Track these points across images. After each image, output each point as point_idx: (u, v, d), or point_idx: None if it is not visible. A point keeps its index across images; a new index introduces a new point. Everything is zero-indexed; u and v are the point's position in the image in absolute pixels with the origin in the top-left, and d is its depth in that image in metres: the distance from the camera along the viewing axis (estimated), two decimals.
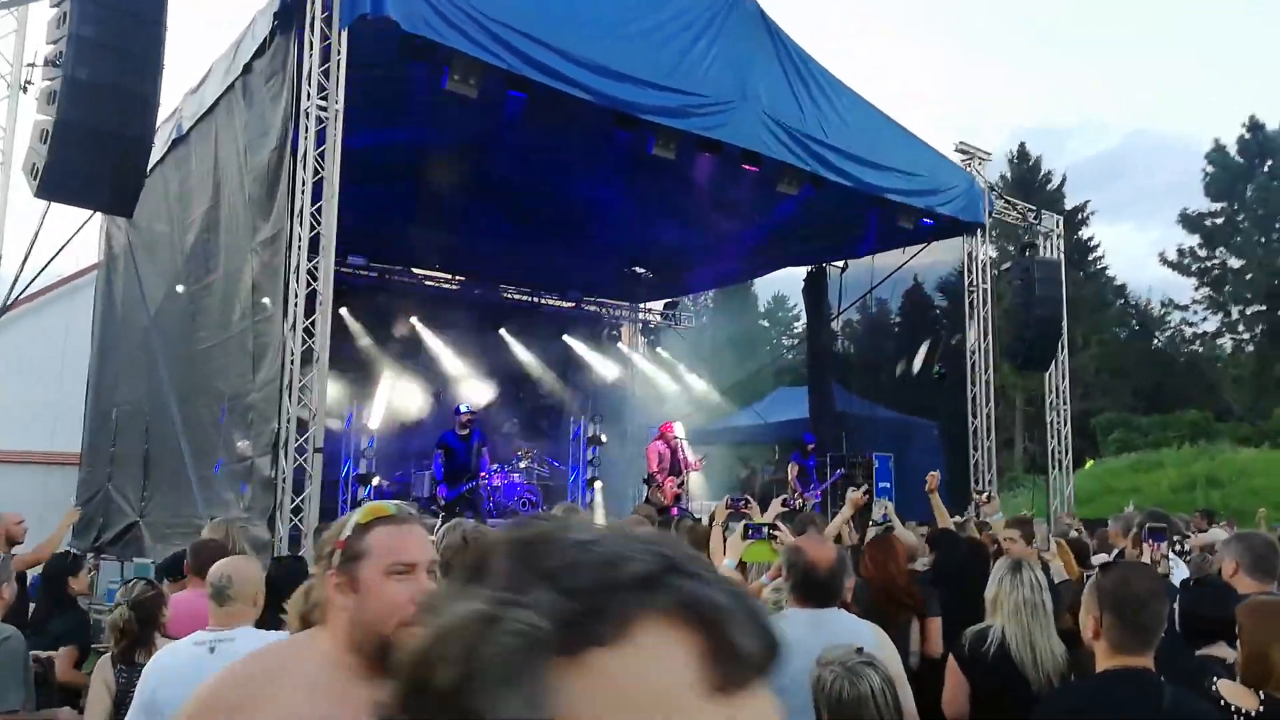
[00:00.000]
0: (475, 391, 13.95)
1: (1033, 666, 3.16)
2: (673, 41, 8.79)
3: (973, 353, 12.57)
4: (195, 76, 9.57)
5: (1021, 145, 37.21)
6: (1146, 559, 3.63)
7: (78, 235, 7.87)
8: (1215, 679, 2.59)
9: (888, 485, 13.97)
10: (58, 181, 5.78)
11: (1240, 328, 35.65)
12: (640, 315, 17.75)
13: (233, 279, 8.40)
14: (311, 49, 7.01)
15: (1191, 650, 3.00)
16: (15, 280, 7.34)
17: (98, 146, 5.64)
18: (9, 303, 7.18)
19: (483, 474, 11.51)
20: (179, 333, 9.47)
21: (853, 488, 5.94)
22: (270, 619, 3.17)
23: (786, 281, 24.97)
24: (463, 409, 11.40)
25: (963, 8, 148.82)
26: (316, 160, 7.09)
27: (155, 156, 10.13)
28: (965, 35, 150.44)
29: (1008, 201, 13.12)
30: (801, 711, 2.64)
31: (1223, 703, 2.49)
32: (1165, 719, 2.23)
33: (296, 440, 6.98)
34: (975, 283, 12.64)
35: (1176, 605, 3.06)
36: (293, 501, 6.91)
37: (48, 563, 5.79)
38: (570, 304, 16.61)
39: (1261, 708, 2.50)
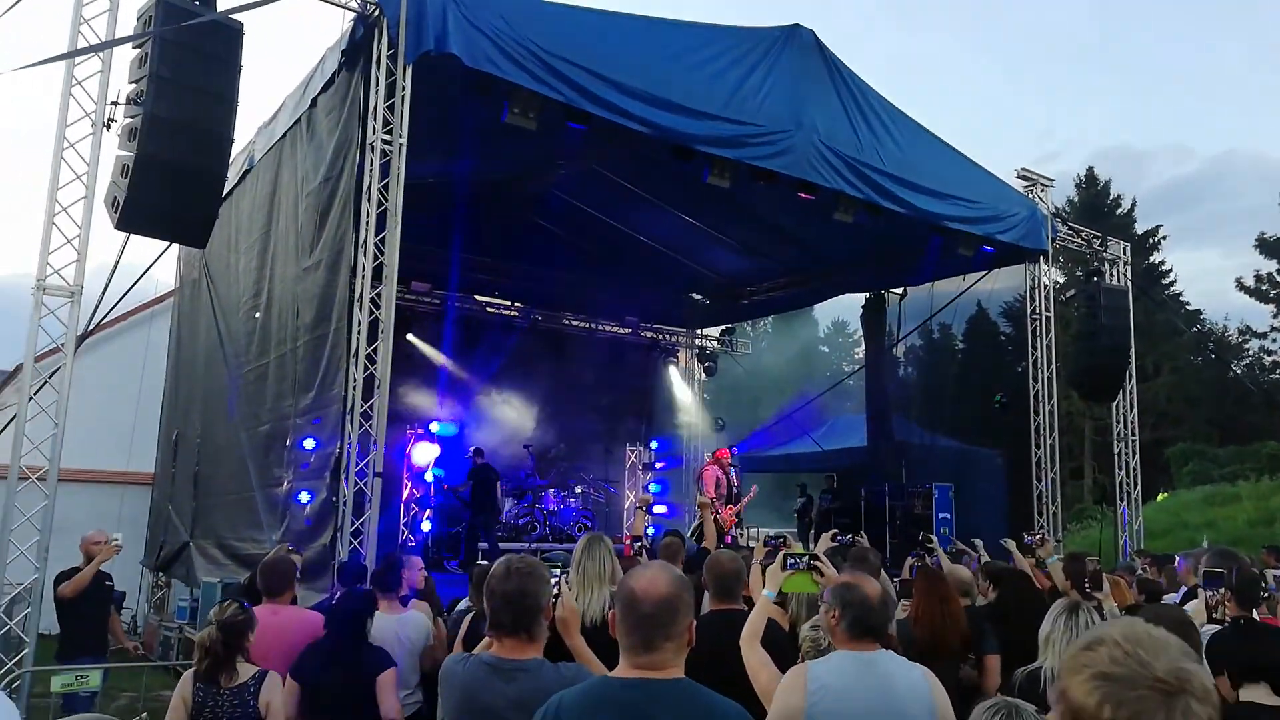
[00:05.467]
0: (532, 416, 14.15)
1: None
2: (728, 73, 8.85)
3: (1036, 381, 12.30)
4: (269, 111, 9.94)
5: (1090, 169, 36.27)
6: (1202, 606, 3.50)
7: (157, 263, 8.19)
8: None
9: (948, 516, 13.69)
10: (136, 214, 6.02)
11: None
12: (697, 341, 17.77)
13: (284, 304, 8.70)
14: (377, 85, 7.23)
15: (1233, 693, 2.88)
16: (96, 307, 7.66)
17: (175, 181, 5.87)
18: (91, 328, 7.49)
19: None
20: (243, 356, 9.77)
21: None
22: None
23: (849, 307, 24.70)
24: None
25: (1051, 35, 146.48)
26: (380, 192, 7.29)
27: (228, 188, 10.54)
28: (1047, 60, 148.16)
29: (1072, 228, 12.84)
30: None
31: None
32: None
33: (357, 465, 7.12)
34: (1039, 310, 12.39)
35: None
36: (353, 524, 7.04)
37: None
38: (627, 330, 16.71)
39: None
